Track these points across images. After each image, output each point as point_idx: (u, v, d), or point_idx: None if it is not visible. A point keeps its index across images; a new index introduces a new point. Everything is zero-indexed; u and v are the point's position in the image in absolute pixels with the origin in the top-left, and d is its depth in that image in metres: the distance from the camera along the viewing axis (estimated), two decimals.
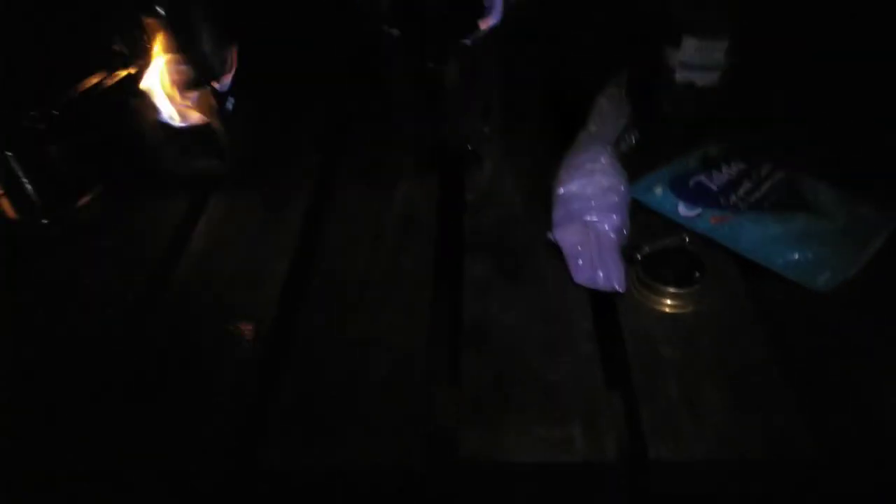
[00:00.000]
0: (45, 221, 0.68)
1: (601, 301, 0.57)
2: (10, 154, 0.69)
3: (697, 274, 0.56)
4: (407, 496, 0.49)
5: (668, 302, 0.56)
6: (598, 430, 0.48)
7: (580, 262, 0.58)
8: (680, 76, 0.72)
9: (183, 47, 0.64)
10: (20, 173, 0.69)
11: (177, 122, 0.68)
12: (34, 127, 0.64)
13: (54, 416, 0.51)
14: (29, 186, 0.70)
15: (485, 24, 0.62)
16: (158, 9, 0.64)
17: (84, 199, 0.66)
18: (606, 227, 0.59)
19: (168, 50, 0.65)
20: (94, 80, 0.61)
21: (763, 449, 0.47)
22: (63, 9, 0.64)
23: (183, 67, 0.65)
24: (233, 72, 0.68)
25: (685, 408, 0.49)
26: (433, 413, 0.51)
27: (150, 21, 0.63)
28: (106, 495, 0.50)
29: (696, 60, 0.71)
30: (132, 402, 0.52)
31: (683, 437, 0.47)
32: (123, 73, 0.63)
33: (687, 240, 0.59)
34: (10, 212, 0.69)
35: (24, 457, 0.49)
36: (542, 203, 0.65)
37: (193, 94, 0.67)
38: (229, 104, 0.68)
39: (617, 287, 0.56)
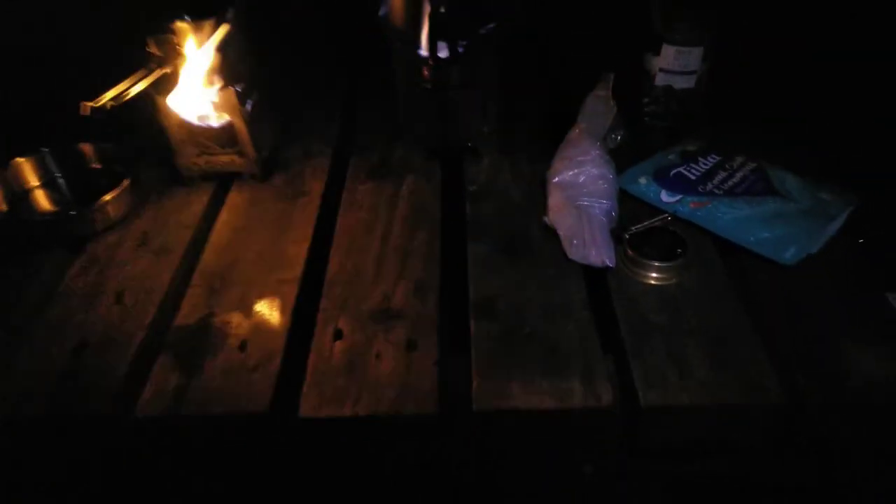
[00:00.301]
0: (73, 213, 0.73)
1: (594, 276, 0.64)
2: (45, 150, 0.75)
3: (679, 250, 0.63)
4: (429, 443, 0.55)
5: (654, 275, 0.63)
6: (594, 383, 0.54)
7: (574, 241, 0.64)
8: (660, 80, 0.80)
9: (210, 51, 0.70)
10: (54, 168, 0.75)
11: (202, 121, 0.74)
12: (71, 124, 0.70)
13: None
14: (62, 181, 0.75)
15: (484, 30, 0.69)
16: (186, 16, 0.70)
17: (113, 193, 0.71)
18: (597, 211, 0.66)
19: (195, 53, 0.71)
20: (132, 79, 0.67)
21: (739, 396, 0.53)
22: (103, 11, 0.70)
23: (209, 69, 0.71)
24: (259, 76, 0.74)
25: (671, 363, 0.56)
26: (447, 374, 0.57)
27: (179, 25, 0.69)
28: None
29: (674, 66, 0.78)
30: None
31: (669, 388, 0.54)
32: (158, 73, 0.69)
33: (669, 219, 0.66)
34: (43, 203, 0.75)
35: None
36: (536, 193, 0.72)
37: (217, 95, 0.72)
38: (248, 104, 0.74)
39: (608, 262, 0.63)
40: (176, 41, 0.69)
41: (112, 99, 0.65)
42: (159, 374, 0.57)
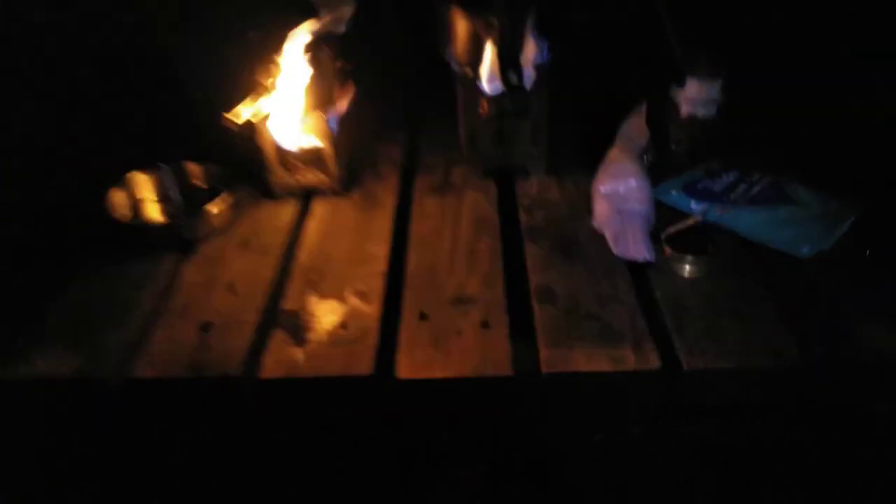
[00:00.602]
0: (190, 218, 0.85)
1: (636, 270, 0.75)
2: (163, 166, 0.87)
3: (709, 246, 0.74)
4: (504, 403, 0.65)
5: (688, 268, 0.74)
6: (644, 351, 0.65)
7: (619, 241, 0.76)
8: (684, 110, 0.92)
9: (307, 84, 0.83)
10: (169, 185, 0.87)
11: (293, 144, 0.87)
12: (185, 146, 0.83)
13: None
14: (176, 195, 0.88)
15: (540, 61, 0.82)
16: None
17: (218, 203, 0.83)
18: (637, 216, 0.77)
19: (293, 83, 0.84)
20: (252, 100, 0.80)
21: (765, 362, 0.64)
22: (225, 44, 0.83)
23: (304, 99, 0.84)
24: (344, 105, 0.87)
25: (707, 337, 0.66)
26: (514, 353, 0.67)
27: (279, 59, 0.82)
28: None
29: (697, 97, 0.90)
30: None
31: (707, 356, 0.64)
32: (261, 99, 0.82)
33: (700, 219, 0.77)
34: (159, 215, 0.87)
35: None
36: (580, 204, 0.84)
37: (309, 121, 0.85)
38: (333, 128, 0.87)
39: (648, 258, 0.74)
40: (276, 73, 0.83)
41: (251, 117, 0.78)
42: (276, 347, 0.68)
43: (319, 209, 0.88)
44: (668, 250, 0.74)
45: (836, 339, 0.66)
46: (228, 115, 0.77)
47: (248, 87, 0.83)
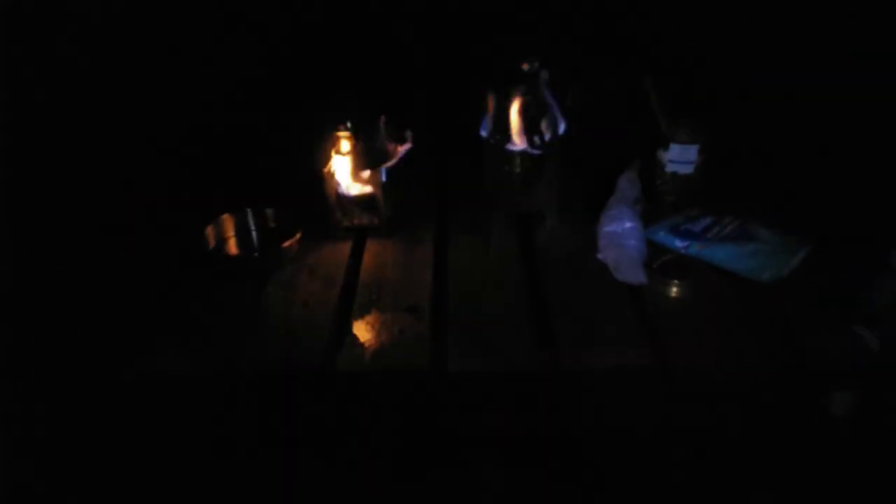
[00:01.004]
0: (256, 255, 1.04)
1: (633, 292, 0.94)
2: (249, 209, 1.06)
3: (690, 273, 0.93)
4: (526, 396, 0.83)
5: (674, 290, 0.93)
6: (641, 351, 0.83)
7: (619, 269, 0.95)
8: (669, 168, 1.12)
9: (365, 144, 1.04)
10: (252, 224, 1.06)
11: (350, 192, 1.07)
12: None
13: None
14: (255, 233, 1.06)
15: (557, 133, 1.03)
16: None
17: (289, 242, 1.02)
18: (633, 249, 0.97)
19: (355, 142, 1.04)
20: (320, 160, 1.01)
21: (734, 360, 0.82)
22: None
23: (363, 156, 1.04)
24: (394, 160, 1.07)
25: (694, 339, 0.85)
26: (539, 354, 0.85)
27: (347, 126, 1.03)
28: None
29: (678, 158, 1.11)
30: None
31: (689, 355, 0.83)
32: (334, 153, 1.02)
33: (683, 253, 0.97)
34: (233, 248, 1.05)
35: None
36: (587, 242, 1.03)
37: (366, 173, 1.05)
38: (384, 179, 1.07)
39: (643, 281, 0.93)
40: (345, 136, 1.03)
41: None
42: (349, 348, 0.86)
43: (372, 246, 1.07)
44: (658, 276, 0.94)
45: (787, 342, 0.84)
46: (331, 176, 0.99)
47: (323, 150, 1.03)
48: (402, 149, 1.07)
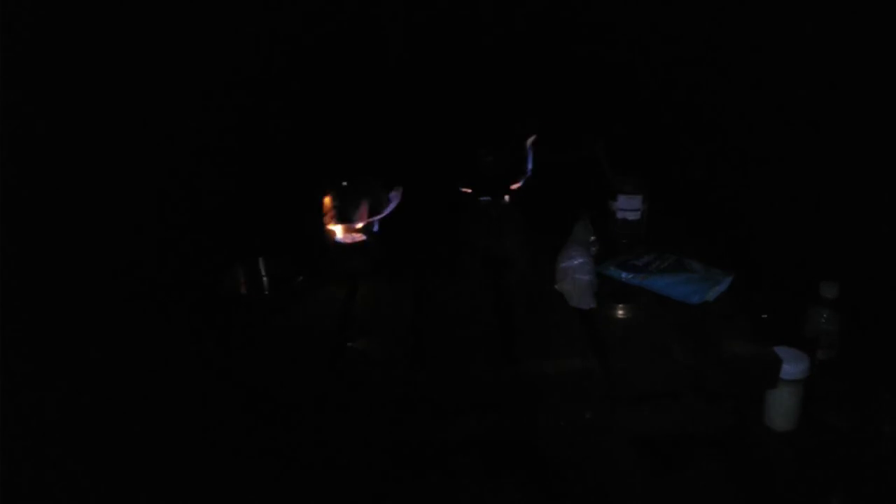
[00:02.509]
0: (267, 293, 1.22)
1: (584, 314, 1.11)
2: (260, 258, 1.25)
3: (633, 300, 1.11)
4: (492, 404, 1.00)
5: (619, 313, 1.11)
6: (589, 359, 1.00)
7: (573, 296, 1.13)
8: (619, 215, 1.32)
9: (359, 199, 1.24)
10: (263, 270, 1.25)
11: (347, 238, 1.26)
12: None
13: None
14: (265, 278, 1.25)
15: (518, 184, 1.23)
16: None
17: (292, 284, 1.20)
18: (586, 281, 1.15)
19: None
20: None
21: (666, 364, 0.99)
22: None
23: (359, 209, 1.23)
24: (386, 212, 1.26)
25: (632, 349, 1.02)
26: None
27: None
28: None
29: (626, 206, 1.31)
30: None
31: (630, 360, 1.00)
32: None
33: (627, 282, 1.15)
34: (243, 286, 1.23)
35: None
36: (548, 276, 1.21)
37: (361, 224, 1.24)
38: (375, 228, 1.26)
39: (592, 306, 1.11)
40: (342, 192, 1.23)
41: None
42: (347, 363, 1.03)
43: (364, 287, 1.25)
44: (606, 301, 1.12)
45: (709, 349, 1.01)
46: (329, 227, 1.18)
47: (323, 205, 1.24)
48: (393, 202, 1.26)
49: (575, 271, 1.16)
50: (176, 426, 0.98)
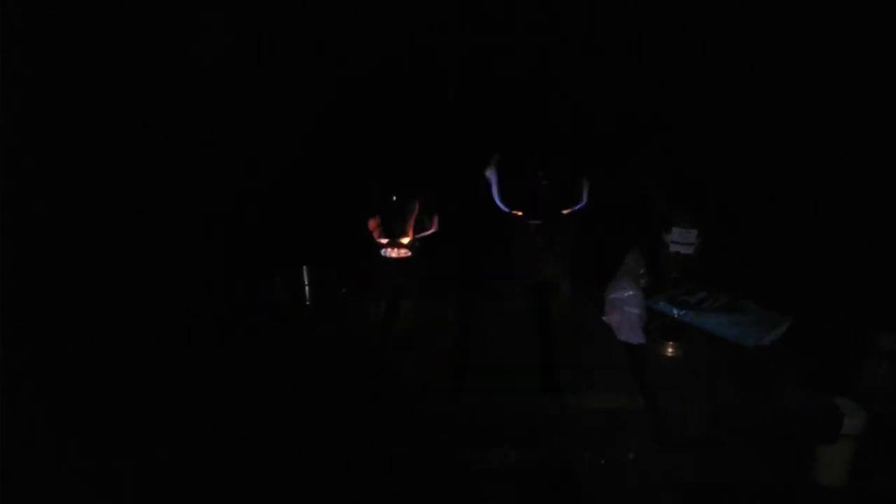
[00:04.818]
0: (308, 303, 1.21)
1: (632, 349, 1.07)
2: (304, 267, 1.24)
3: (682, 336, 1.07)
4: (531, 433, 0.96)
5: (669, 350, 1.07)
6: (634, 397, 0.96)
7: (622, 330, 1.09)
8: (671, 249, 1.28)
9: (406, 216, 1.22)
10: (306, 279, 1.24)
11: (391, 255, 1.24)
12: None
13: None
14: (308, 289, 1.24)
15: (572, 209, 1.20)
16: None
17: (336, 295, 1.19)
18: (636, 314, 1.11)
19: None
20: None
21: (716, 407, 0.95)
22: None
23: (406, 225, 1.22)
24: (431, 230, 1.25)
25: (682, 390, 0.98)
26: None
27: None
28: None
29: (680, 239, 1.27)
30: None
31: (678, 402, 0.95)
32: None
33: (678, 318, 1.11)
34: (282, 295, 1.23)
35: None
36: (596, 306, 1.18)
37: (407, 240, 1.23)
38: (417, 244, 1.24)
39: (641, 341, 1.07)
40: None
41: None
42: (385, 386, 1.01)
43: (406, 303, 1.23)
44: (655, 337, 1.08)
45: (764, 396, 0.97)
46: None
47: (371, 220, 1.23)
48: (436, 221, 1.25)
49: (625, 303, 1.13)
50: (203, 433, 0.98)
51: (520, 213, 1.22)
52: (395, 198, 1.23)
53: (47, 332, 0.92)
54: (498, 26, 1.39)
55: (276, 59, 1.29)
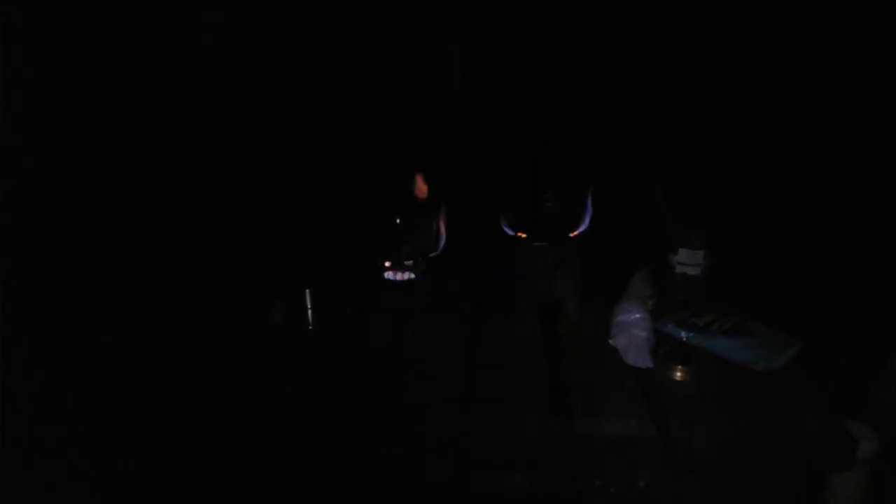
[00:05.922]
0: (311, 327, 1.20)
1: (640, 373, 1.06)
2: (307, 290, 1.23)
3: (690, 360, 1.06)
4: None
5: (677, 374, 1.05)
6: (644, 423, 0.94)
7: (629, 353, 1.08)
8: (678, 270, 1.27)
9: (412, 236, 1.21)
10: (309, 305, 1.23)
11: (396, 277, 1.23)
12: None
13: None
14: (310, 311, 1.23)
15: (577, 231, 1.19)
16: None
17: (341, 316, 1.18)
18: (641, 338, 1.10)
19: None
20: None
21: (727, 430, 0.93)
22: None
23: (411, 246, 1.21)
24: (436, 251, 1.24)
25: (692, 416, 0.96)
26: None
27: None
28: None
29: (686, 261, 1.26)
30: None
31: (687, 426, 0.94)
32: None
33: (686, 341, 1.09)
34: (280, 315, 1.21)
35: None
36: (602, 328, 1.17)
37: (410, 262, 1.22)
38: (423, 266, 1.23)
39: (648, 365, 1.05)
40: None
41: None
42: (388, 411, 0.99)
43: (412, 325, 1.22)
44: (662, 361, 1.07)
45: (779, 420, 0.95)
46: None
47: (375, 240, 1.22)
48: (443, 241, 1.24)
49: (632, 326, 1.11)
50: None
51: (524, 235, 1.21)
52: (398, 220, 1.22)
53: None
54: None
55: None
